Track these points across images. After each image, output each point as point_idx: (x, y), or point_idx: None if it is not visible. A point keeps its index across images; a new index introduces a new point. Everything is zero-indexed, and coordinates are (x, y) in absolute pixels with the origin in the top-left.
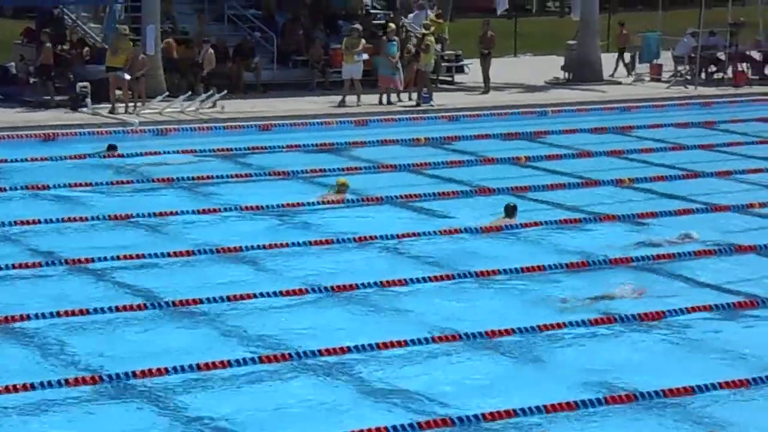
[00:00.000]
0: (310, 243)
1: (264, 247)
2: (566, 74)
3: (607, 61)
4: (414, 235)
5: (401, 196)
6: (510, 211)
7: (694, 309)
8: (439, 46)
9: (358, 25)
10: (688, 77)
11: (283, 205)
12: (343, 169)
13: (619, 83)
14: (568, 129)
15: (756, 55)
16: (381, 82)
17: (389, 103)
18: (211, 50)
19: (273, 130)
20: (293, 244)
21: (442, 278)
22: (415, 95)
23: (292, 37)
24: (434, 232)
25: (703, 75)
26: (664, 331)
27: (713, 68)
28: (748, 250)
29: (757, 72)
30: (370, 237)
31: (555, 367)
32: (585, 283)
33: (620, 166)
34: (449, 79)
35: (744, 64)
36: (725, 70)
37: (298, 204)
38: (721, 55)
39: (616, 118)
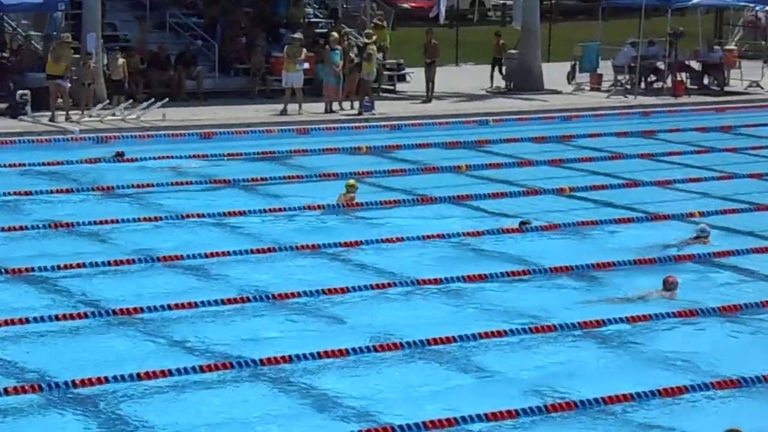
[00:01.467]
0: (250, 251)
1: (204, 255)
2: (507, 83)
3: (549, 70)
4: (357, 243)
5: (344, 205)
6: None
7: (632, 319)
8: (381, 55)
9: (299, 34)
10: (628, 87)
11: (224, 213)
12: (284, 178)
13: (560, 92)
14: (509, 138)
15: (695, 64)
16: (324, 90)
17: (331, 111)
18: (122, 61)
19: (214, 138)
20: (234, 252)
21: (384, 286)
22: (357, 104)
23: (234, 46)
24: (377, 240)
25: (642, 84)
26: (599, 340)
27: (653, 78)
28: (686, 259)
29: (696, 82)
30: (312, 246)
31: (498, 375)
32: (525, 292)
33: (561, 174)
34: (391, 87)
35: (683, 74)
36: (665, 80)
37: (239, 212)
38: (661, 65)
39: (557, 128)
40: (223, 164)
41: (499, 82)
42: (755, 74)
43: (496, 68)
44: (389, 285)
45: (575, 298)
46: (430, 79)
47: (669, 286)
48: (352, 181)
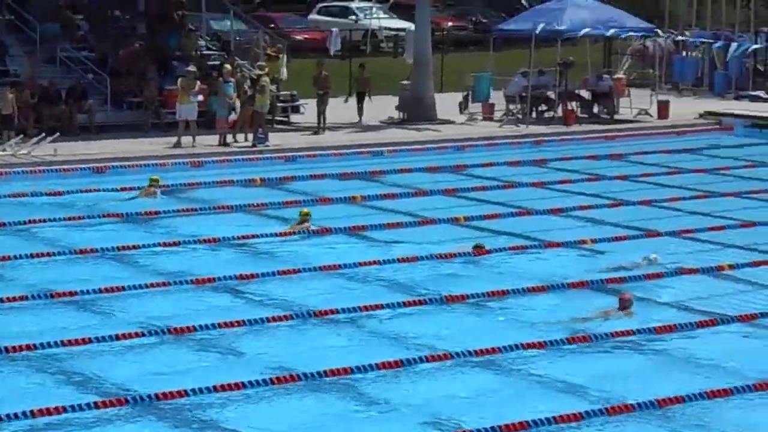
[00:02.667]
0: (146, 285)
1: (99, 290)
2: (401, 114)
3: (442, 100)
4: (251, 276)
5: (238, 237)
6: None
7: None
8: (274, 87)
9: (192, 67)
10: (520, 116)
11: (117, 248)
12: (178, 211)
13: (453, 122)
14: (403, 168)
15: (585, 93)
16: (217, 123)
17: (225, 144)
18: (11, 96)
19: (107, 172)
20: (130, 287)
21: (281, 318)
22: (250, 136)
23: (126, 79)
24: (271, 273)
25: (533, 114)
26: (495, 368)
27: (544, 107)
28: (580, 286)
29: (586, 110)
30: (208, 279)
31: (399, 406)
32: (423, 319)
33: (455, 204)
34: (285, 119)
35: (573, 103)
36: (555, 109)
37: (133, 246)
38: (551, 94)
39: (450, 157)
40: (117, 198)
41: (393, 113)
42: (644, 102)
43: (365, 102)
44: (285, 318)
45: (472, 323)
46: (321, 112)
47: (625, 303)
48: (306, 210)
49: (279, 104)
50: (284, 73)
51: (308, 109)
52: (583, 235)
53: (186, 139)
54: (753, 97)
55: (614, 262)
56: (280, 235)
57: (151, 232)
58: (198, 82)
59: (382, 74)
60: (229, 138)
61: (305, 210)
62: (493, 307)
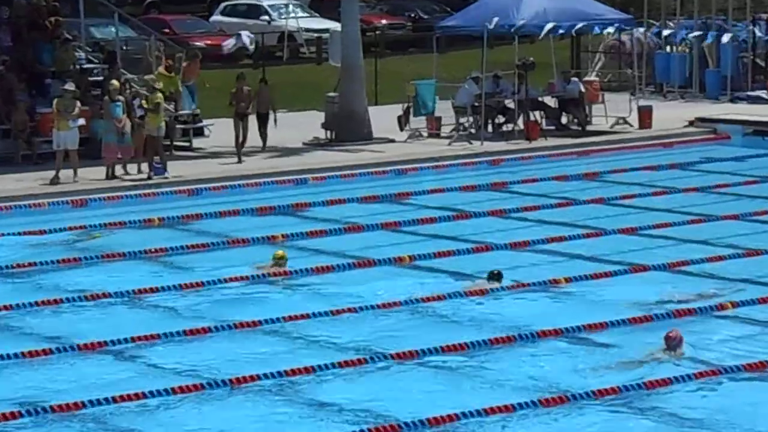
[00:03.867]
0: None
1: None
2: (328, 133)
3: (377, 115)
4: (154, 337)
5: (134, 291)
6: (495, 276)
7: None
8: (171, 106)
9: (71, 84)
10: (473, 131)
11: None
12: (58, 262)
13: (392, 141)
14: (333, 199)
15: (550, 101)
16: (104, 151)
17: (113, 177)
18: None
19: None
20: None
21: (190, 389)
22: (145, 166)
23: None
24: (177, 332)
25: (489, 128)
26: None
27: (501, 119)
28: (553, 335)
29: (553, 121)
30: (92, 344)
31: None
32: (368, 381)
33: (397, 240)
34: (186, 144)
35: (537, 113)
36: (515, 121)
37: (7, 307)
38: (510, 103)
39: (390, 184)
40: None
41: (318, 132)
42: (622, 109)
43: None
44: (194, 387)
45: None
46: (244, 137)
47: (671, 343)
48: (281, 252)
49: (178, 126)
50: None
51: (214, 130)
52: (555, 273)
53: (66, 173)
54: (752, 98)
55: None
56: (182, 287)
57: (22, 290)
58: (78, 103)
59: (303, 85)
60: (119, 170)
61: (280, 252)
62: (448, 366)
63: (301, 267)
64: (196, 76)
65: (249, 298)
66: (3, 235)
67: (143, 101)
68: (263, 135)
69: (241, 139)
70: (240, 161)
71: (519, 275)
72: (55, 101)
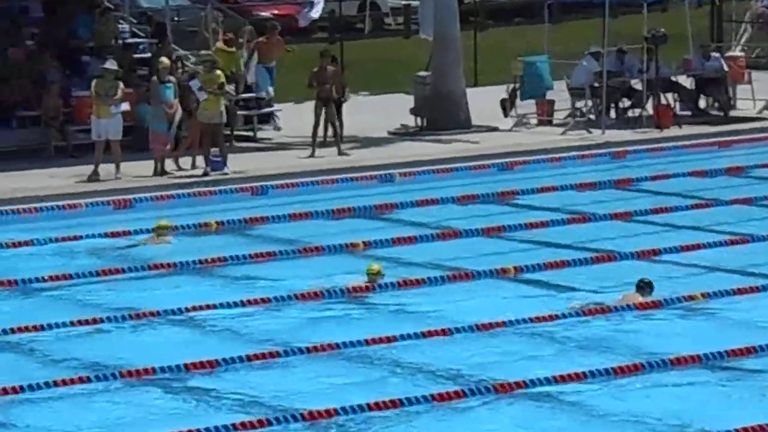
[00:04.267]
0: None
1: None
2: (418, 120)
3: (477, 98)
4: (211, 365)
5: (187, 309)
6: (643, 287)
7: None
8: (232, 87)
9: (112, 63)
10: (592, 117)
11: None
12: (97, 273)
13: (495, 130)
14: (424, 199)
15: (685, 81)
16: (152, 142)
17: (163, 172)
18: None
19: None
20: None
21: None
22: (201, 160)
23: (15, 84)
24: (239, 358)
25: (612, 113)
26: None
27: (626, 103)
28: (690, 362)
29: (689, 105)
30: (145, 371)
31: None
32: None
33: (500, 248)
34: (249, 134)
35: (670, 95)
36: (643, 105)
37: (37, 327)
38: (637, 84)
39: (492, 181)
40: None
41: (404, 119)
42: None
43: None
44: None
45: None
46: (329, 122)
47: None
48: (376, 267)
49: (240, 112)
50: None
51: (286, 116)
52: (691, 288)
53: (106, 168)
54: None
55: None
56: (247, 303)
57: (53, 308)
58: (121, 85)
59: (388, 63)
60: (170, 164)
61: (376, 267)
62: (563, 398)
63: (385, 281)
64: (276, 53)
65: (324, 318)
66: (32, 242)
67: (206, 82)
68: (333, 127)
69: (323, 128)
70: (314, 154)
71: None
72: (93, 83)
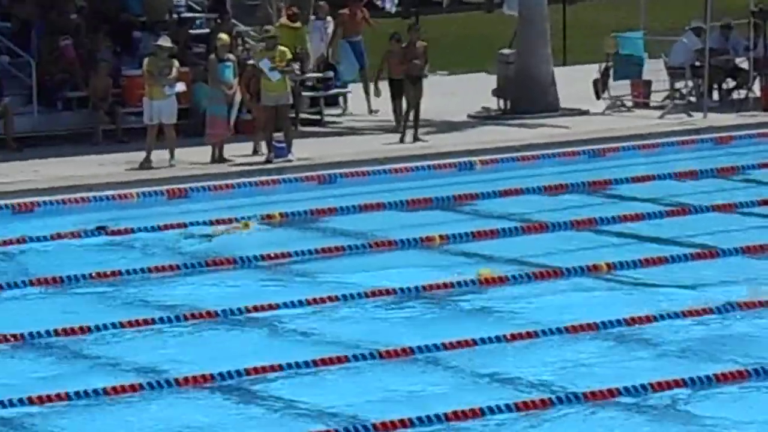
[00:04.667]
0: None
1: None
2: (501, 102)
3: (566, 78)
4: (274, 369)
5: (248, 309)
6: None
7: None
8: (297, 66)
9: (166, 39)
10: (693, 99)
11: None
12: (149, 270)
13: (586, 113)
14: (506, 189)
15: None
16: (210, 126)
17: (222, 159)
18: None
19: (35, 211)
20: None
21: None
22: (263, 145)
23: (61, 61)
24: (304, 363)
25: (715, 95)
26: None
27: (731, 83)
28: None
29: None
30: (203, 378)
31: None
32: None
33: (592, 243)
34: (316, 117)
35: None
36: (750, 86)
37: (84, 329)
38: (743, 63)
39: (583, 169)
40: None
41: (486, 101)
42: None
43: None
44: None
45: None
46: (413, 106)
47: None
48: (486, 271)
49: (305, 93)
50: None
51: (354, 98)
52: None
53: (159, 154)
54: None
55: None
56: (314, 302)
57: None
58: (176, 63)
59: (468, 40)
60: (229, 150)
61: (486, 271)
62: (662, 405)
63: (464, 278)
64: (361, 26)
65: (397, 318)
66: (80, 234)
67: (277, 60)
68: (406, 112)
69: (408, 110)
70: (403, 140)
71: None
72: (146, 61)
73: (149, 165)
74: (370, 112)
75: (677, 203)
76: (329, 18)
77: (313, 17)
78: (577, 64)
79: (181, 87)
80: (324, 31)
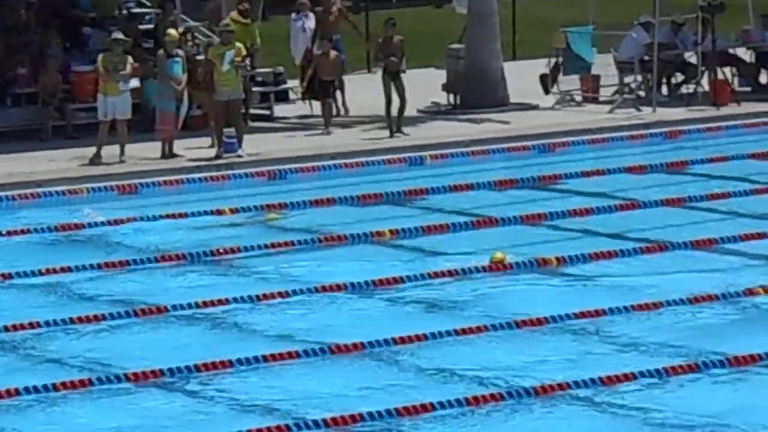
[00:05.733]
0: None
1: None
2: (451, 97)
3: (515, 73)
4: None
5: (188, 305)
6: None
7: None
8: (247, 62)
9: (120, 33)
10: (641, 94)
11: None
12: (97, 266)
13: (535, 108)
14: (457, 184)
15: (745, 54)
16: (159, 122)
17: (171, 155)
18: None
19: None
20: None
21: None
22: (213, 141)
23: (10, 58)
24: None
25: (664, 89)
26: None
27: (679, 78)
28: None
29: (749, 81)
30: None
31: None
32: None
33: (540, 238)
34: (266, 112)
35: (727, 70)
36: (698, 80)
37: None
38: (692, 57)
39: (532, 164)
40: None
41: (436, 96)
42: None
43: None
44: None
45: None
46: (400, 97)
47: None
48: (500, 255)
49: (255, 89)
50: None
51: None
52: (751, 280)
53: (108, 150)
54: None
55: None
56: (263, 298)
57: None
58: (130, 59)
59: (417, 35)
60: (179, 146)
61: (499, 255)
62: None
63: (415, 272)
64: (339, 23)
65: (347, 313)
66: (28, 230)
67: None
68: (390, 102)
69: (395, 104)
70: (393, 134)
71: (706, 284)
72: (100, 57)
73: (99, 161)
74: (338, 111)
75: (626, 198)
76: (310, 13)
77: (294, 15)
78: (527, 59)
79: (135, 83)
80: (303, 28)
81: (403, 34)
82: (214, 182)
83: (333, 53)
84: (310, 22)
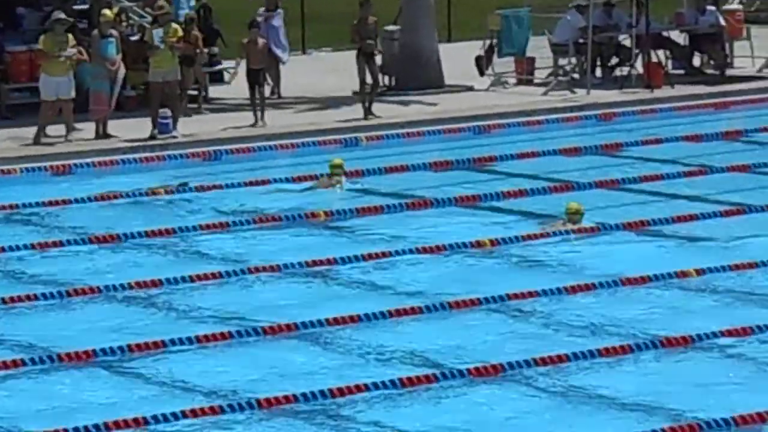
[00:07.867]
0: None
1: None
2: (386, 78)
3: (450, 55)
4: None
5: (122, 287)
6: None
7: None
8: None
9: (62, 14)
10: (576, 76)
11: None
12: (31, 246)
13: (470, 89)
14: (392, 166)
15: (678, 36)
16: (93, 102)
17: (106, 135)
18: None
19: None
20: None
21: None
22: (149, 121)
23: None
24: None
25: (598, 71)
26: None
27: (614, 60)
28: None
29: (681, 63)
30: None
31: None
32: None
33: (474, 220)
34: (198, 93)
35: (661, 52)
36: (632, 63)
37: None
38: (626, 40)
39: (467, 145)
40: None
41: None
42: None
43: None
44: None
45: None
46: (374, 79)
47: None
48: (575, 205)
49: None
50: None
51: (241, 76)
52: (682, 263)
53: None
54: None
55: None
56: (197, 279)
57: None
58: (72, 39)
59: (352, 17)
60: (113, 127)
61: (574, 205)
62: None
63: (347, 254)
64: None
65: (281, 294)
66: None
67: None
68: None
69: (370, 84)
70: (367, 117)
71: (639, 268)
72: (42, 38)
73: (39, 140)
74: (273, 93)
75: (560, 179)
76: (279, 10)
77: (261, 9)
78: (462, 41)
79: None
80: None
81: (336, 16)
82: (149, 163)
83: (261, 41)
84: (274, 20)
